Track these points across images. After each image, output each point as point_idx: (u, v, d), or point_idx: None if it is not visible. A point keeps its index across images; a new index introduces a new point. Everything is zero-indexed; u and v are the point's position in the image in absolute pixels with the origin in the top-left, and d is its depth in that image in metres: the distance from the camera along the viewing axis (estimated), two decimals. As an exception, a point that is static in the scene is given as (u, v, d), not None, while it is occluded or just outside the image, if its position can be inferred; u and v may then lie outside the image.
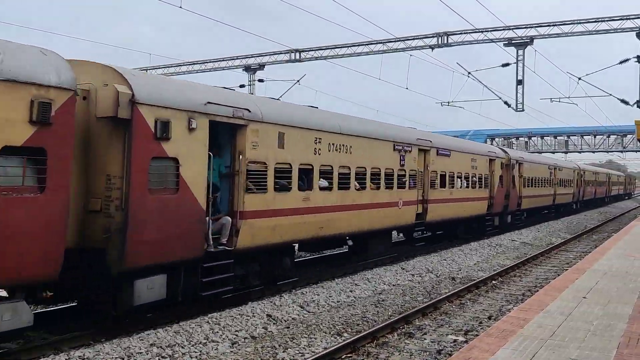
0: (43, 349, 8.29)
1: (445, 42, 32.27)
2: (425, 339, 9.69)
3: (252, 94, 39.67)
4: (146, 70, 41.48)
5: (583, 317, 8.82)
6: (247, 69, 39.44)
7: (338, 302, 12.22)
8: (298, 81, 40.07)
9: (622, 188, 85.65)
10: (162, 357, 8.30)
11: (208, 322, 9.92)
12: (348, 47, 34.82)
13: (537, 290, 12.59)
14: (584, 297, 10.30)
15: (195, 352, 8.59)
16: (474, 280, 14.85)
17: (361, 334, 9.45)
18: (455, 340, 9.56)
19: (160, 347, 8.56)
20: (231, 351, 8.80)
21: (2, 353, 8.00)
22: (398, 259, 17.94)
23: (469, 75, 32.10)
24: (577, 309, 9.40)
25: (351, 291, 13.10)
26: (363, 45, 34.32)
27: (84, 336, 8.90)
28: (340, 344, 8.87)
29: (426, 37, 32.87)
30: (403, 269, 16.18)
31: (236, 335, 9.51)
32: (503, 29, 31.54)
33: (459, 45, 32.57)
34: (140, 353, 8.27)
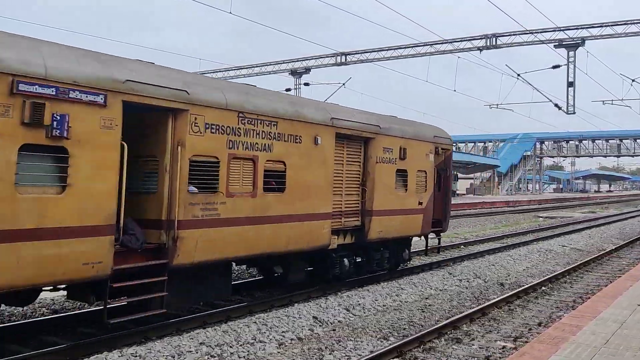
0: (97, 345, 8.53)
1: (494, 43, 31.90)
2: (473, 344, 9.57)
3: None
4: (195, 74, 42.31)
5: (638, 326, 8.57)
6: (293, 72, 39.80)
7: (384, 306, 12.18)
8: (343, 84, 40.24)
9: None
10: (211, 356, 8.44)
11: (255, 322, 10.03)
12: (394, 49, 34.74)
13: (589, 297, 12.29)
14: (639, 305, 10.00)
15: (243, 352, 8.70)
16: (523, 286, 14.58)
17: (408, 339, 9.40)
18: (504, 347, 9.41)
19: (210, 346, 8.70)
20: (278, 352, 8.88)
21: (58, 349, 8.25)
22: (445, 264, 17.78)
23: (518, 77, 31.63)
24: (631, 316, 9.14)
25: (397, 295, 13.05)
26: (410, 47, 34.18)
27: (136, 334, 9.12)
28: (386, 348, 8.85)
29: (474, 38, 32.57)
30: (450, 274, 16.01)
31: (283, 336, 9.59)
32: (553, 30, 30.97)
33: (508, 46, 32.15)
34: (190, 352, 8.42)
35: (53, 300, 11.17)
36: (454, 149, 18.50)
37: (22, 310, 10.40)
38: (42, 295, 11.73)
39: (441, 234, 17.35)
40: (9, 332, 8.99)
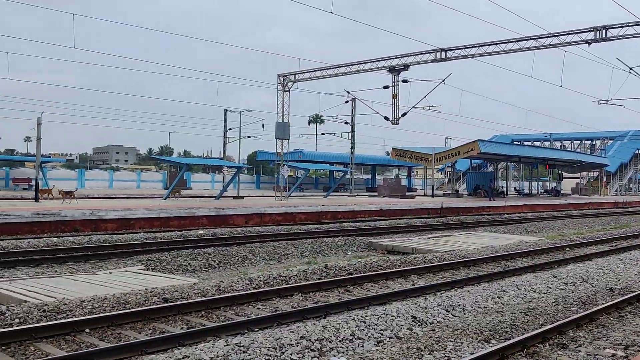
0: (204, 334, 8.96)
1: (604, 36, 30.24)
2: (579, 351, 9.19)
3: (396, 95, 39.78)
4: (294, 74, 43.04)
5: None
6: (392, 70, 39.55)
7: (485, 307, 11.93)
8: (443, 81, 39.60)
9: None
10: (311, 349, 8.62)
11: (354, 319, 10.13)
12: (496, 44, 33.74)
13: None
14: None
15: (342, 347, 8.82)
16: (635, 292, 13.79)
17: (510, 342, 9.16)
18: (613, 355, 8.97)
19: (309, 340, 8.89)
20: (377, 349, 8.92)
21: (167, 337, 8.73)
22: (549, 267, 17.15)
23: (631, 71, 29.88)
24: None
25: (499, 297, 12.73)
26: (513, 42, 33.08)
27: (240, 325, 9.49)
28: (487, 350, 8.67)
29: (582, 31, 31.02)
30: (555, 277, 15.42)
31: (381, 334, 9.63)
32: (672, 20, 28.93)
33: (620, 39, 30.36)
34: (291, 344, 8.64)
35: (164, 289, 11.80)
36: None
37: (136, 299, 11.06)
38: (153, 284, 12.43)
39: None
40: (125, 318, 9.61)
